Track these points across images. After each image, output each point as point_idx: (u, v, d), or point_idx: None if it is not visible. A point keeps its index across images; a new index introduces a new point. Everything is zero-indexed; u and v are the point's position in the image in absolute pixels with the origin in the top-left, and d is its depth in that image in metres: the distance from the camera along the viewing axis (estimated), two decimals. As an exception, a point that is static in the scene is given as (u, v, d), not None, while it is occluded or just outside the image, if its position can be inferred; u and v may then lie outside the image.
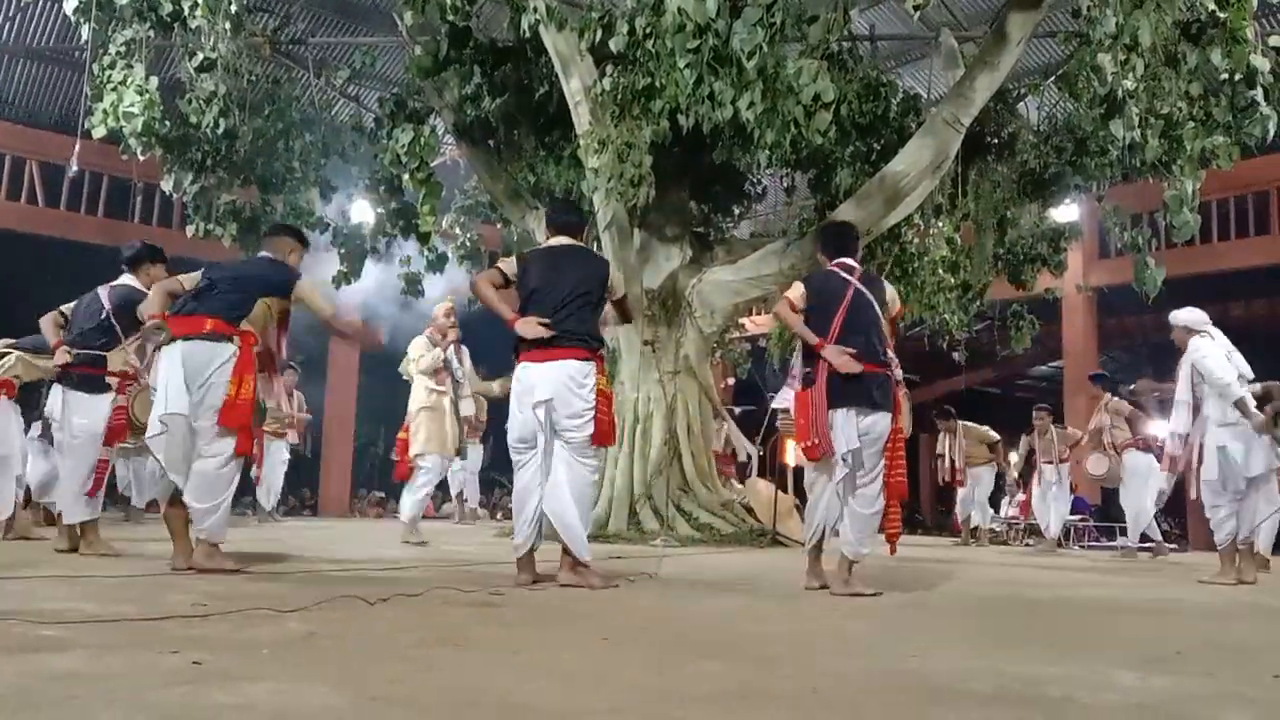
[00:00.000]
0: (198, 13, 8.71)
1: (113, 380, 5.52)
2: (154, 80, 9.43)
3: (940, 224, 11.06)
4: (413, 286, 12.64)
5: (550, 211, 5.14)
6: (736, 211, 11.89)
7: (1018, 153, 10.65)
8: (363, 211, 12.64)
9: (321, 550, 6.48)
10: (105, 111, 9.31)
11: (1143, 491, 9.91)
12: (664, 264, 10.07)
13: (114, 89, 9.32)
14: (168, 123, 9.85)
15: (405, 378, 8.02)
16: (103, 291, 5.68)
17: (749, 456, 10.95)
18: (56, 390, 5.69)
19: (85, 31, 9.03)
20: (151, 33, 9.37)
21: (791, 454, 13.10)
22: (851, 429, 4.49)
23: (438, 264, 12.45)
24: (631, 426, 9.59)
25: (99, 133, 9.39)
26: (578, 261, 4.68)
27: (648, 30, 7.70)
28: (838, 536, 4.62)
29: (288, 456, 11.50)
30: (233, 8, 8.84)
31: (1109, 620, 4.19)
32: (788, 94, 7.46)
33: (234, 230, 11.24)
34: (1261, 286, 15.94)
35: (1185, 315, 6.70)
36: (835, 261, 4.85)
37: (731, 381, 17.26)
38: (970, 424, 12.47)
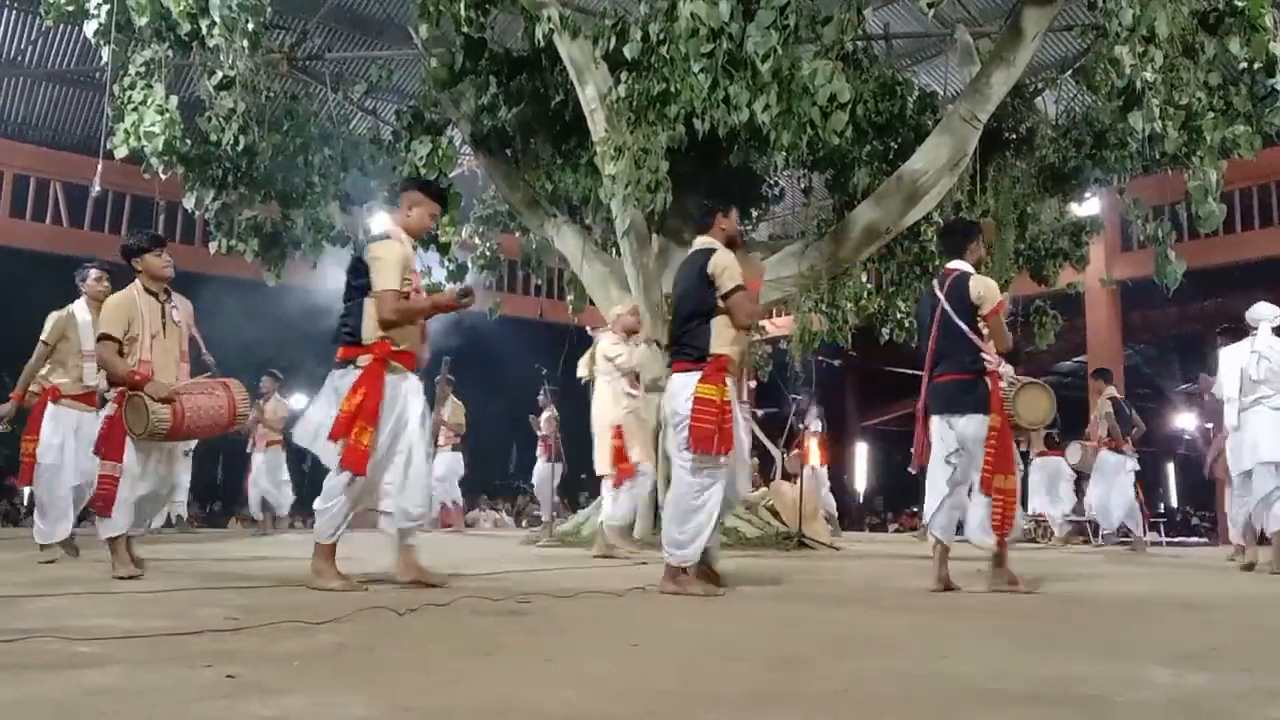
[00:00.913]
0: (215, 31, 8.78)
1: (111, 392, 5.32)
2: (174, 99, 9.52)
3: (960, 221, 11.01)
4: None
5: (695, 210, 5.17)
6: (754, 214, 11.87)
7: (1036, 147, 10.59)
8: (383, 223, 12.71)
9: (349, 561, 6.50)
10: (127, 131, 9.40)
11: (1110, 487, 10.34)
12: (683, 268, 10.06)
13: (135, 109, 9.42)
14: (188, 141, 9.93)
15: (582, 379, 7.84)
16: None
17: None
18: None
19: (105, 53, 9.11)
20: (170, 52, 9.46)
21: (815, 455, 13.11)
22: (949, 434, 4.82)
23: (458, 274, 12.50)
24: (654, 431, 9.58)
25: (121, 153, 9.48)
26: (685, 267, 4.76)
27: (661, 36, 7.71)
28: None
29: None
30: (250, 26, 8.90)
31: (1141, 616, 4.15)
32: (803, 95, 7.45)
33: (256, 246, 11.33)
34: (1287, 273, 15.77)
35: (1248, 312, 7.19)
36: (946, 267, 5.14)
37: (753, 384, 17.20)
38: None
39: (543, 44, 8.82)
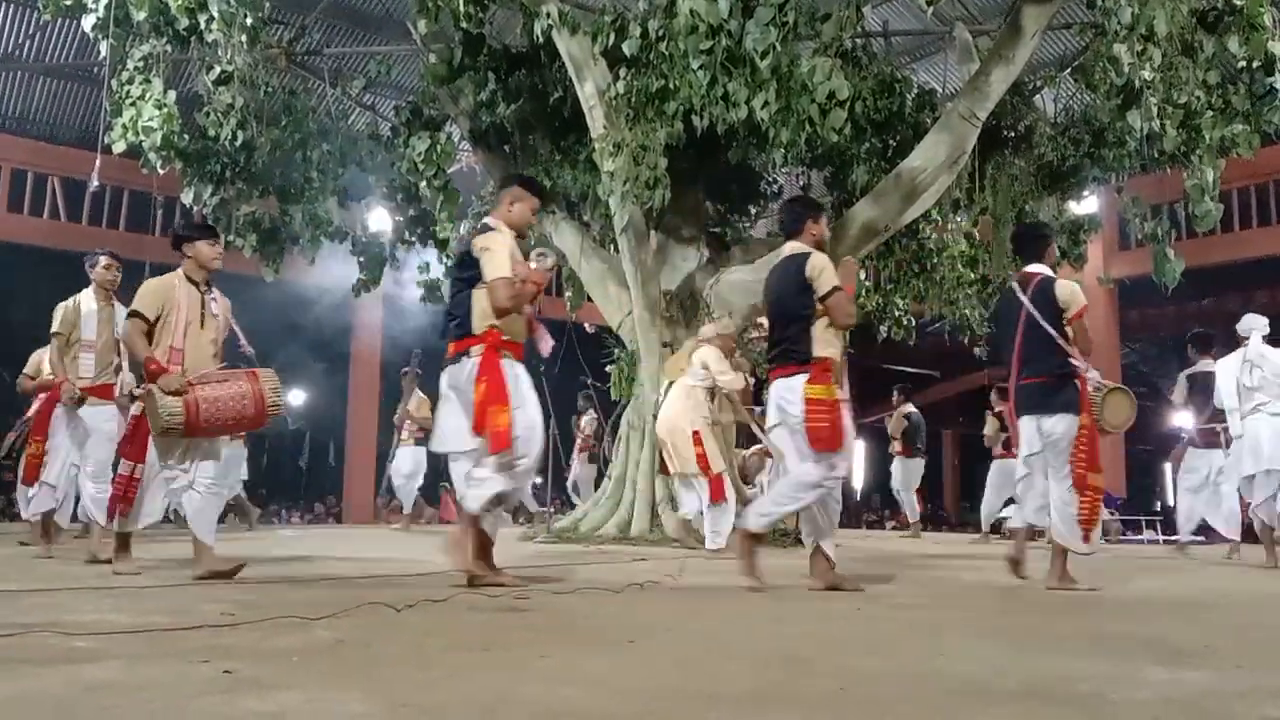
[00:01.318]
0: (214, 26, 8.77)
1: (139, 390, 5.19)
2: (172, 94, 9.50)
3: (958, 219, 11.01)
4: (432, 293, 12.69)
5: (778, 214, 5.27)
6: (753, 211, 11.87)
7: (1035, 145, 10.59)
8: (381, 219, 12.71)
9: (347, 557, 6.52)
10: (124, 126, 9.39)
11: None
12: (681, 265, 10.07)
13: (133, 104, 9.40)
14: (186, 136, 9.92)
15: (670, 381, 7.84)
16: None
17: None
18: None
19: (103, 48, 9.10)
20: (169, 47, 9.44)
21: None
22: (1035, 434, 5.06)
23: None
24: (652, 428, 9.59)
25: (119, 147, 9.47)
26: (779, 272, 4.82)
27: (660, 33, 7.70)
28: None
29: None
30: (248, 21, 8.89)
31: (1137, 615, 4.16)
32: (802, 92, 7.45)
33: (254, 241, 11.33)
34: (1286, 272, 15.80)
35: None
36: (1022, 270, 5.34)
37: (752, 381, 17.21)
38: None
39: (541, 40, 8.82)
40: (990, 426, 11.60)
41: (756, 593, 4.47)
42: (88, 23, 9.00)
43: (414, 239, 12.03)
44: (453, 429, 4.56)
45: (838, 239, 9.26)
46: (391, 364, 16.08)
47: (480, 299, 4.49)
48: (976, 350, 12.59)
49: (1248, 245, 15.09)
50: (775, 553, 8.10)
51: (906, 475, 12.43)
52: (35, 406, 6.89)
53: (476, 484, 4.43)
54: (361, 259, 12.47)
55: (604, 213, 10.05)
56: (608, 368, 10.82)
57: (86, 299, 6.08)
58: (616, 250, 9.83)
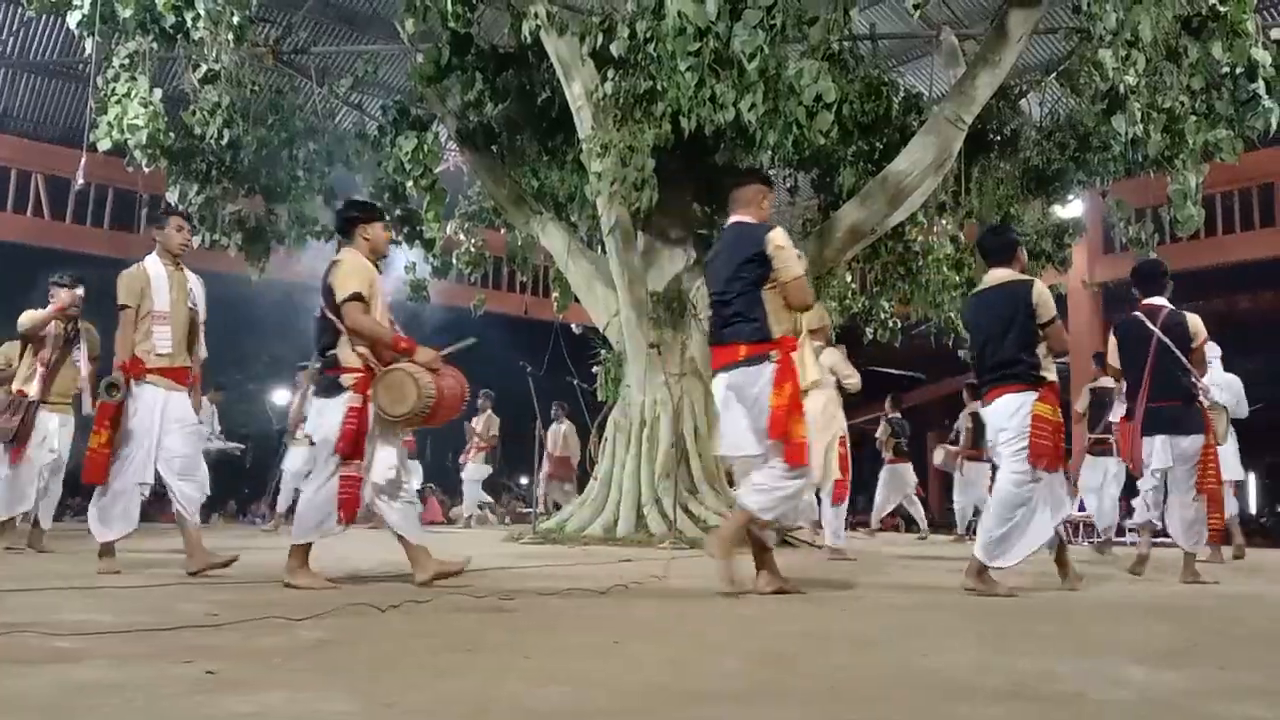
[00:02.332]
0: (200, 24, 8.72)
1: (348, 379, 4.49)
2: (158, 92, 9.46)
3: (944, 222, 11.06)
4: (418, 293, 12.67)
5: (978, 242, 5.52)
6: (739, 213, 11.87)
7: (1020, 149, 10.65)
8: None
9: (331, 558, 6.48)
10: (110, 124, 9.34)
11: (970, 494, 11.75)
12: (668, 267, 10.07)
13: (118, 102, 9.35)
14: (172, 134, 9.87)
15: (815, 383, 7.89)
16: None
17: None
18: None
19: (89, 45, 9.04)
20: (155, 45, 9.38)
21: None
22: (1166, 452, 5.74)
23: (442, 270, 12.48)
24: (638, 429, 9.60)
25: (104, 145, 9.42)
26: (996, 298, 5.00)
27: (648, 34, 7.71)
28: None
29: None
30: (235, 19, 8.85)
31: (1120, 616, 4.18)
32: (789, 95, 7.47)
33: (240, 240, 11.29)
34: (1268, 279, 15.93)
35: None
36: (1144, 302, 5.95)
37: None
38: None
39: (529, 40, 8.81)
40: (883, 430, 12.36)
41: (745, 593, 4.47)
42: (73, 19, 8.94)
43: (400, 239, 12.01)
44: (743, 432, 4.41)
45: (824, 241, 9.30)
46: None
47: (772, 301, 4.40)
48: (961, 353, 12.65)
49: (1231, 250, 15.19)
50: (777, 553, 8.10)
51: (897, 481, 12.51)
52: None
53: (766, 491, 4.38)
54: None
55: (591, 214, 10.06)
56: (594, 369, 10.82)
57: (154, 264, 5.20)
58: (604, 251, 9.83)
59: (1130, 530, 11.57)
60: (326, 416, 4.44)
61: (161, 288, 5.10)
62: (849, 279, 12.22)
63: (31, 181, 15.62)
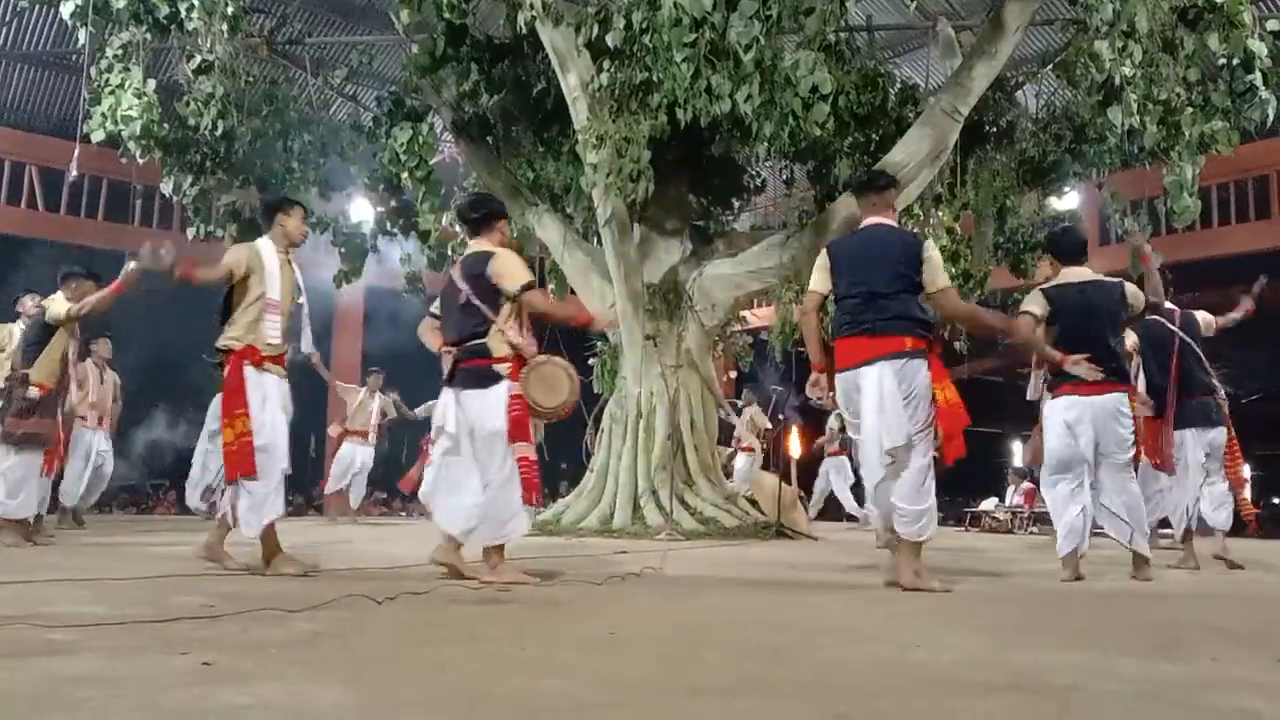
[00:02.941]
0: (194, 15, 8.70)
1: (503, 368, 4.52)
2: (152, 83, 9.42)
3: (940, 214, 11.05)
4: (414, 284, 12.65)
5: (1051, 241, 5.81)
6: (736, 204, 11.87)
7: (1016, 141, 10.63)
8: (362, 210, 12.65)
9: (328, 550, 6.49)
10: (104, 115, 9.30)
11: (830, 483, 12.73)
12: (664, 258, 10.07)
13: (112, 92, 9.31)
14: (166, 125, 9.84)
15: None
16: (455, 272, 4.76)
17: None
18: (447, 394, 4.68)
19: (82, 35, 9.00)
20: (148, 36, 9.35)
21: (795, 447, 13.21)
22: (1198, 444, 6.14)
23: (438, 262, 12.46)
24: (634, 421, 9.60)
25: (98, 136, 9.38)
26: (1098, 292, 5.23)
27: (644, 25, 7.69)
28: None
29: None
30: (229, 9, 8.82)
31: (1113, 608, 4.20)
32: (785, 86, 7.46)
33: (234, 231, 11.24)
34: (1264, 271, 15.88)
35: None
36: (1165, 309, 6.28)
37: (734, 375, 17.26)
38: None
39: (525, 31, 8.79)
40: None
41: (741, 585, 4.48)
42: (66, 10, 8.91)
43: (396, 230, 11.99)
44: (903, 422, 4.41)
45: (821, 233, 9.29)
46: (372, 356, 16.01)
47: (914, 300, 4.52)
48: (958, 344, 12.65)
49: (1226, 242, 15.19)
50: (775, 544, 8.15)
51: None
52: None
53: (919, 508, 4.45)
54: (343, 250, 12.41)
55: (587, 205, 10.05)
56: (590, 360, 10.81)
57: (268, 250, 4.94)
58: (600, 243, 9.82)
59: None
60: (484, 407, 4.45)
61: (274, 275, 4.89)
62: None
63: (25, 173, 15.55)
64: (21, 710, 1.86)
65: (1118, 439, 5.08)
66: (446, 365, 4.59)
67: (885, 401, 4.39)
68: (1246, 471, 7.35)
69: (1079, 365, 4.91)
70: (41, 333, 6.64)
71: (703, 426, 9.93)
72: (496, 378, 4.44)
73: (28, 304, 7.33)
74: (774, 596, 4.32)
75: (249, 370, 4.74)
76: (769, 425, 13.24)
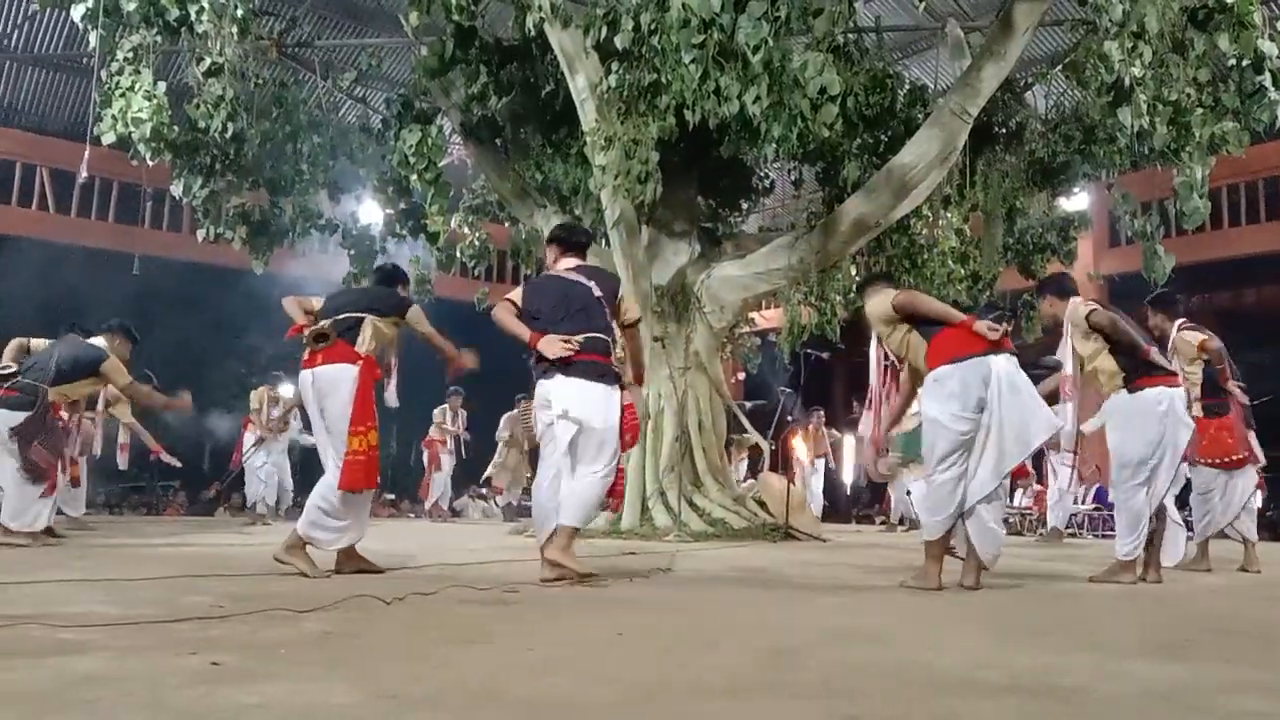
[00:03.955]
0: (204, 17, 8.73)
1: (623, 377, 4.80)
2: (162, 86, 9.45)
3: (949, 215, 11.02)
4: (422, 287, 12.68)
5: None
6: (744, 206, 11.87)
7: (1026, 142, 10.61)
8: (371, 212, 12.69)
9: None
10: (114, 117, 9.33)
11: None
12: (672, 260, 10.07)
13: (122, 95, 9.35)
14: (176, 128, 9.87)
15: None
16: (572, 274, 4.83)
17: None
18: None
19: (92, 38, 9.04)
20: (158, 38, 9.38)
21: (802, 450, 13.20)
22: None
23: (446, 264, 12.50)
24: (643, 423, 9.59)
25: (108, 139, 9.42)
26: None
27: (653, 26, 7.69)
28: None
29: None
30: (239, 12, 8.85)
31: (1120, 608, 4.18)
32: (794, 87, 7.44)
33: (244, 233, 11.29)
34: (1274, 272, 15.86)
35: None
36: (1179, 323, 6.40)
37: (742, 376, 17.26)
38: None
39: (533, 33, 8.79)
40: None
41: (749, 586, 4.48)
42: (77, 13, 8.95)
43: (405, 232, 12.01)
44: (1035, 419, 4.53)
45: (829, 234, 9.28)
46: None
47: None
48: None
49: (1236, 243, 15.14)
50: (783, 546, 8.13)
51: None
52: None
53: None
54: (352, 252, 12.45)
55: (595, 207, 10.04)
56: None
57: None
58: (608, 244, 9.82)
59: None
60: (600, 401, 4.52)
61: None
62: (853, 272, 12.18)
63: (36, 174, 15.64)
64: (32, 708, 1.87)
65: (1184, 432, 5.28)
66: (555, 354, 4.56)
67: (1012, 397, 4.48)
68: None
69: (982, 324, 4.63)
70: (84, 373, 6.73)
71: (711, 428, 9.92)
72: (616, 377, 4.62)
73: (103, 340, 7.13)
74: (782, 598, 4.31)
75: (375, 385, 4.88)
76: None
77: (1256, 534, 6.59)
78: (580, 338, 4.51)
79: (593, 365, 4.53)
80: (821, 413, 14.02)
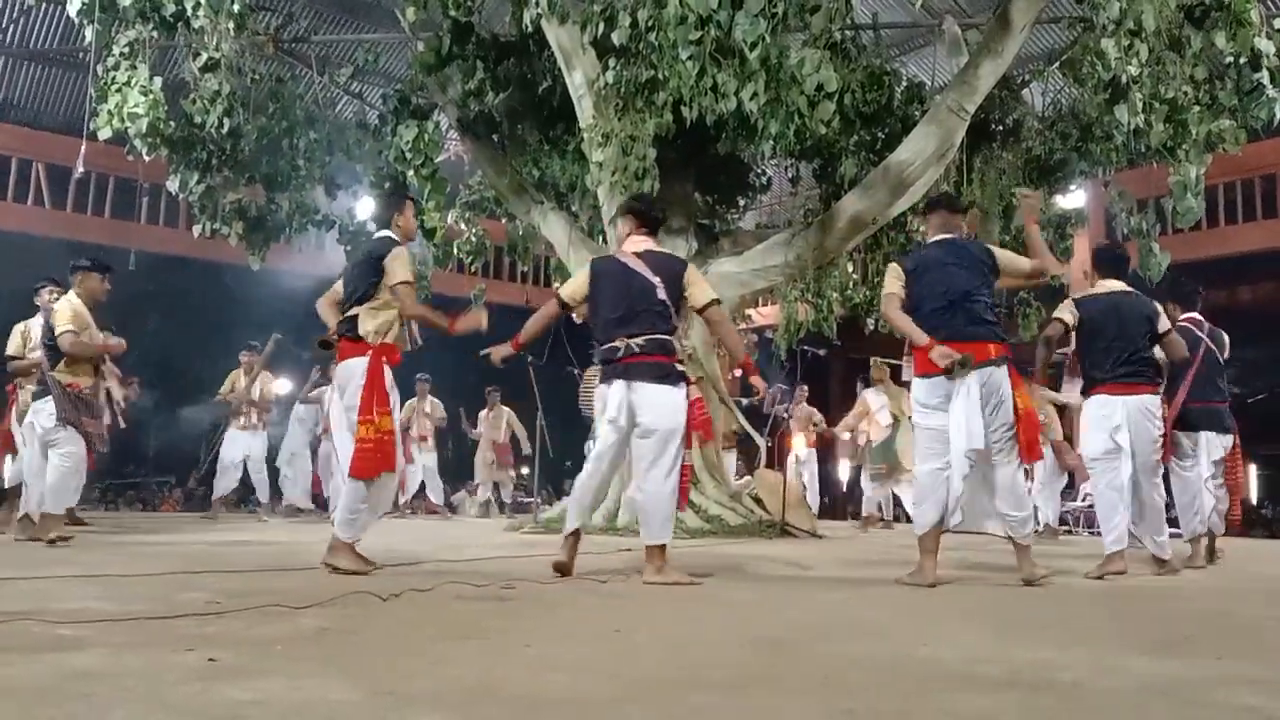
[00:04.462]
0: (200, 13, 8.70)
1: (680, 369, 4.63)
2: (158, 81, 9.43)
3: (947, 213, 11.01)
4: (419, 282, 12.66)
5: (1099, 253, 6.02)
6: (741, 203, 11.86)
7: (1023, 139, 10.61)
8: (368, 208, 12.67)
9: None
10: (110, 113, 9.31)
11: None
12: (669, 257, 10.06)
13: (118, 90, 9.32)
14: (172, 123, 9.85)
15: None
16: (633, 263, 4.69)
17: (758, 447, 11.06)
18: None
19: (89, 33, 9.01)
20: (155, 33, 9.35)
21: (798, 444, 13.21)
22: (1216, 447, 6.26)
23: (443, 260, 12.48)
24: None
25: (104, 134, 9.39)
26: (1129, 305, 5.52)
27: (650, 23, 7.68)
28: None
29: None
30: (235, 7, 8.83)
31: (1117, 605, 4.19)
32: (791, 84, 7.44)
33: (240, 229, 11.26)
34: (1270, 270, 15.88)
35: None
36: (1185, 316, 6.39)
37: (738, 373, 17.27)
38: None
39: (530, 29, 8.78)
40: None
41: (747, 582, 4.48)
42: (73, 7, 8.92)
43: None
44: (981, 426, 4.52)
45: (826, 231, 9.28)
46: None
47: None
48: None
49: (1232, 241, 15.14)
50: (779, 542, 8.14)
51: None
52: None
53: (1022, 509, 4.73)
54: (348, 248, 12.43)
55: (592, 203, 10.04)
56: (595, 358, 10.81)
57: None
58: (605, 241, 9.82)
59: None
60: (665, 404, 4.45)
61: None
62: (850, 269, 12.19)
63: (32, 170, 15.58)
64: (28, 704, 1.87)
65: (1149, 439, 5.34)
66: (607, 354, 4.53)
67: (963, 403, 4.51)
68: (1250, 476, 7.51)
69: (937, 351, 4.53)
70: (54, 337, 6.54)
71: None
72: (680, 376, 4.51)
73: (45, 296, 7.15)
74: (779, 593, 4.32)
75: (388, 370, 4.67)
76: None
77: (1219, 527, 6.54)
78: (641, 340, 4.44)
79: (655, 366, 4.45)
80: (805, 389, 13.90)
